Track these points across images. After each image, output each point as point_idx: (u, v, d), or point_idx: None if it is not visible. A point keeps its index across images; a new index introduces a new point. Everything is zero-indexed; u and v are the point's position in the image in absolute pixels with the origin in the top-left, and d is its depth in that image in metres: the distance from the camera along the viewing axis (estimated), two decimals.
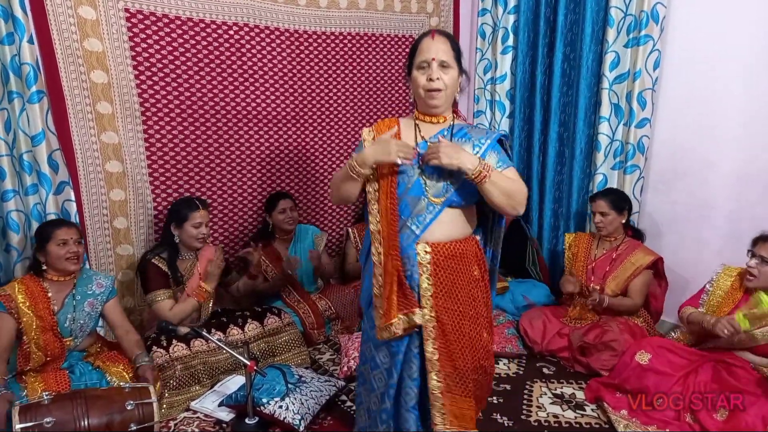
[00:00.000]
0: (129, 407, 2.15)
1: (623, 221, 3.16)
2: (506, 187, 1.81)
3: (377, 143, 1.85)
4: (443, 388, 1.89)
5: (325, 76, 3.58)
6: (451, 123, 1.93)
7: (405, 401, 1.94)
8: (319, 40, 3.50)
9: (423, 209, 1.85)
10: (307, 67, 3.49)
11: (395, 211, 1.85)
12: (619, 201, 3.13)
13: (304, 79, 3.49)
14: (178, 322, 2.78)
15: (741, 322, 2.36)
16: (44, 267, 2.45)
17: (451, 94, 1.89)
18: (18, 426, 1.97)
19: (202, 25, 3.06)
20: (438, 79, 1.82)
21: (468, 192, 1.87)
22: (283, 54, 3.37)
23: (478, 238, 2.01)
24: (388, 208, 1.85)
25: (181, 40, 3.01)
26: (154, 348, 2.67)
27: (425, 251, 1.86)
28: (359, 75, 3.73)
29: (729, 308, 2.56)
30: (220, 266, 2.96)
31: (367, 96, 3.81)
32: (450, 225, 1.88)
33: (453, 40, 1.90)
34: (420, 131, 1.92)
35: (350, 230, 3.69)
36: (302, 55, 3.45)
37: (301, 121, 3.55)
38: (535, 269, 3.69)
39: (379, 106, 3.89)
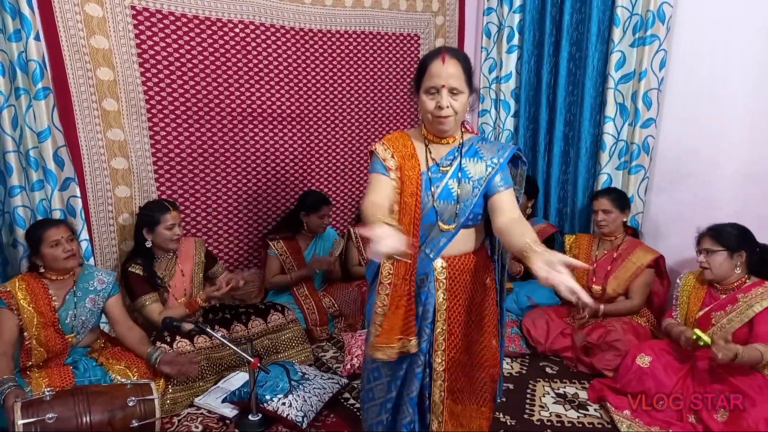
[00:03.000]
0: (131, 403, 2.16)
1: (624, 220, 3.17)
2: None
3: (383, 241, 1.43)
4: (447, 398, 1.90)
5: (330, 74, 3.59)
6: (461, 141, 1.88)
7: (400, 417, 1.96)
8: (324, 38, 3.50)
9: (437, 234, 1.84)
10: (312, 65, 3.49)
11: (417, 238, 1.81)
12: (621, 199, 3.15)
13: (309, 77, 3.50)
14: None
15: (697, 338, 2.42)
16: (42, 270, 2.45)
17: (459, 119, 1.82)
18: (20, 421, 1.98)
19: (208, 23, 3.07)
20: (448, 107, 1.74)
21: (478, 213, 1.86)
22: (289, 52, 3.38)
23: (487, 244, 2.01)
24: (410, 235, 1.79)
25: (186, 38, 3.02)
26: (158, 343, 2.67)
27: (442, 266, 1.86)
28: (364, 73, 3.74)
29: (697, 307, 2.62)
30: (222, 296, 2.91)
31: (372, 94, 3.81)
32: (463, 242, 1.88)
33: (464, 60, 1.78)
34: (431, 153, 1.87)
35: (351, 230, 3.69)
36: (307, 53, 3.46)
37: (306, 118, 3.56)
38: None
39: (383, 105, 3.89)
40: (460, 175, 1.83)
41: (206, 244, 3.18)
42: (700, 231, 2.65)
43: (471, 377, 1.94)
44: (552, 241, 3.60)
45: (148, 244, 2.83)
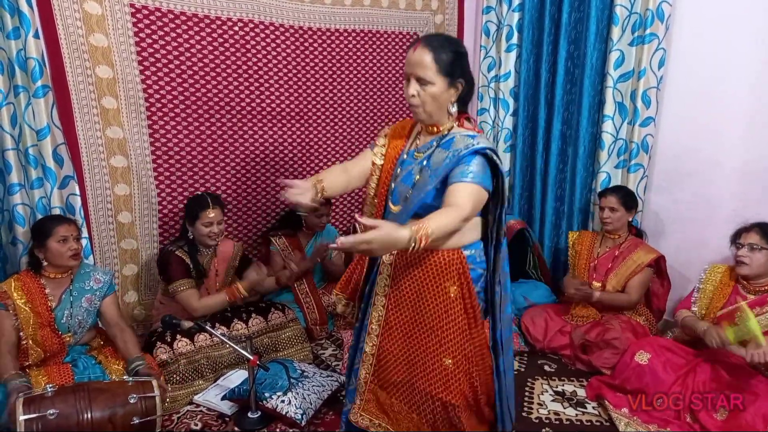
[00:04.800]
0: (132, 401, 2.15)
1: (629, 219, 3.16)
2: (444, 227, 1.64)
3: None
4: (372, 382, 2.00)
5: (330, 72, 3.58)
6: (444, 133, 1.83)
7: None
8: (324, 37, 3.50)
9: (395, 215, 1.86)
10: (312, 64, 3.49)
11: (381, 211, 1.95)
12: (629, 199, 3.14)
13: (308, 75, 3.49)
14: (202, 316, 2.81)
15: (729, 335, 2.34)
16: (44, 263, 2.44)
17: (434, 109, 1.77)
18: (21, 417, 1.98)
19: (207, 21, 3.06)
20: (413, 95, 1.75)
21: (430, 205, 1.76)
22: (288, 50, 3.37)
23: (465, 253, 1.85)
24: (377, 208, 1.98)
25: (186, 36, 3.02)
26: (159, 344, 2.68)
27: (390, 253, 1.89)
28: (363, 72, 3.73)
29: (721, 303, 2.60)
30: (263, 285, 3.04)
31: (371, 93, 3.81)
32: None
33: (439, 50, 1.71)
34: (418, 140, 1.93)
35: (358, 225, 3.68)
36: (307, 52, 3.45)
37: (305, 117, 3.56)
38: (537, 273, 3.68)
39: (382, 103, 3.89)
40: (425, 163, 1.82)
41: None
42: (743, 225, 2.60)
43: (412, 384, 1.93)
44: (523, 236, 3.59)
45: (191, 236, 2.89)
